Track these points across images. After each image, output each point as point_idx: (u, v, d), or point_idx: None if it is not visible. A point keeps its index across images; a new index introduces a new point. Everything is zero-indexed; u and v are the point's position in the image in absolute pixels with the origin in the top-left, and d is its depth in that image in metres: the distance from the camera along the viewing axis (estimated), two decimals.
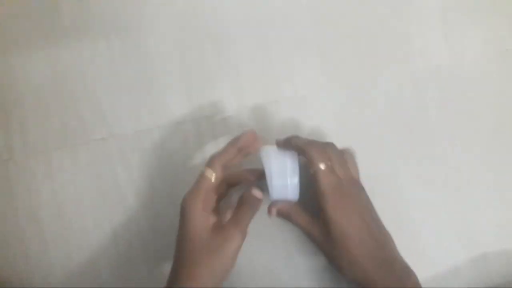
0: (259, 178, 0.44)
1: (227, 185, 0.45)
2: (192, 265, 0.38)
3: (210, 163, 0.42)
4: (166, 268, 0.41)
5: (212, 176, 0.41)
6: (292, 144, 0.43)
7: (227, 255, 0.39)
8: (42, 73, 0.52)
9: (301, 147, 0.42)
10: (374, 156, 0.50)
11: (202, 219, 0.40)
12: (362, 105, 0.51)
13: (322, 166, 0.40)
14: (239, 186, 0.46)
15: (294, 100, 0.51)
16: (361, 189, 0.43)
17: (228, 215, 0.44)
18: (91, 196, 0.51)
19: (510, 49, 0.52)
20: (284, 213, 0.45)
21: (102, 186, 0.51)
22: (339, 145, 0.50)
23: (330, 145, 0.43)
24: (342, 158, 0.43)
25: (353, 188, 0.42)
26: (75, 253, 0.50)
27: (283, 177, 0.43)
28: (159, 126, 0.51)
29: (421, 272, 0.50)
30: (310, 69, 0.51)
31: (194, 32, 0.52)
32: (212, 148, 0.51)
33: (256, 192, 0.43)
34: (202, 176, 0.42)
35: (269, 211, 0.45)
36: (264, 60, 0.52)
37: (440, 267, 0.50)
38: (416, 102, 0.51)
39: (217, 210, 0.44)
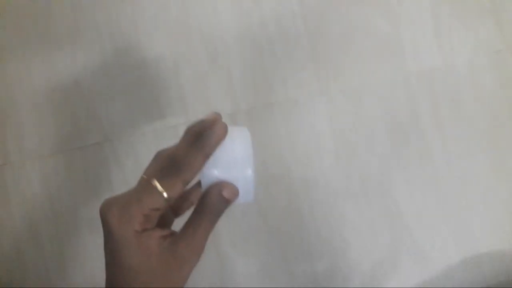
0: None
1: None
2: None
3: (169, 183, 0.29)
4: None
5: (165, 194, 0.29)
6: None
7: (181, 280, 0.30)
8: (37, 79, 0.52)
9: None
10: (367, 158, 0.51)
11: (142, 244, 0.28)
12: (355, 107, 0.51)
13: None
14: None
15: (287, 104, 0.52)
16: None
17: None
18: (86, 201, 0.51)
19: (501, 51, 0.52)
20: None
21: (97, 191, 0.51)
22: (334, 147, 0.51)
23: None
24: None
25: None
26: (70, 256, 0.51)
27: (231, 168, 0.31)
28: (153, 131, 0.52)
29: (415, 274, 0.50)
30: (302, 72, 0.52)
31: (187, 38, 0.52)
32: None
33: (226, 191, 0.30)
34: (150, 189, 0.29)
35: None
36: (256, 64, 0.52)
37: (434, 268, 0.50)
38: (409, 104, 0.51)
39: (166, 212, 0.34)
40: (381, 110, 0.51)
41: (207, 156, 0.30)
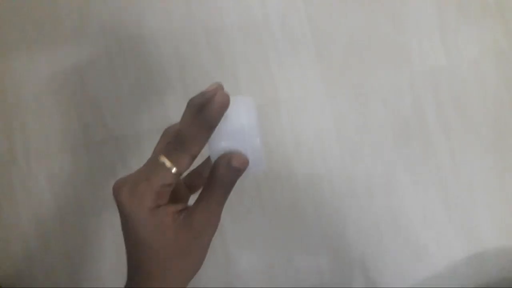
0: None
1: None
2: (155, 278, 0.29)
3: (177, 157, 0.29)
4: None
5: (174, 170, 0.29)
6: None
7: (199, 254, 0.30)
8: (43, 77, 0.52)
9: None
10: (373, 156, 0.51)
11: (156, 220, 0.29)
12: (360, 107, 0.51)
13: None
14: None
15: (293, 103, 0.52)
16: None
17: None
18: (92, 199, 0.51)
19: (506, 51, 0.52)
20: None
21: (103, 188, 0.52)
22: (339, 147, 0.51)
23: None
24: None
25: None
26: (76, 255, 0.51)
27: (237, 138, 0.30)
28: (158, 128, 0.52)
29: (420, 271, 0.50)
30: (308, 72, 0.52)
31: (191, 36, 0.52)
32: None
33: (235, 160, 0.29)
34: (158, 165, 0.29)
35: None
36: (260, 62, 0.52)
37: (439, 266, 0.50)
38: (414, 105, 0.51)
39: (180, 187, 0.34)
40: (386, 110, 0.51)
41: (211, 127, 0.29)
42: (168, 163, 0.29)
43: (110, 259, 0.50)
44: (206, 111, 0.28)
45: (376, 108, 0.51)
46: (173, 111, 0.52)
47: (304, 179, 0.51)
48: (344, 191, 0.50)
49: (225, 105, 0.29)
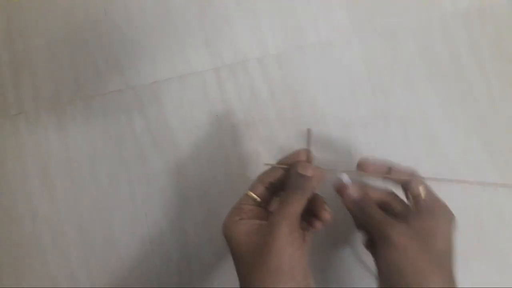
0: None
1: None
2: (242, 276, 0.34)
3: (252, 185, 0.37)
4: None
5: (254, 196, 0.37)
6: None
7: (274, 250, 0.32)
8: (55, 23, 0.50)
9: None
10: (406, 98, 0.48)
11: (238, 227, 0.35)
12: (391, 49, 0.49)
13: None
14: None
15: (319, 46, 0.49)
16: None
17: None
18: (107, 150, 0.48)
19: None
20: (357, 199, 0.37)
21: (119, 139, 0.48)
22: (371, 88, 0.48)
23: None
24: None
25: None
26: (87, 210, 0.47)
27: None
28: (178, 76, 0.49)
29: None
30: (334, 13, 0.50)
31: None
32: (234, 98, 0.48)
33: (303, 169, 0.35)
34: (244, 197, 0.37)
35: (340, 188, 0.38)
36: (285, 4, 0.50)
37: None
38: (447, 44, 0.49)
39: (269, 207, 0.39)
40: (418, 49, 0.49)
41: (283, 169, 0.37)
42: (249, 193, 0.37)
43: (125, 213, 0.46)
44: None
45: (407, 47, 0.49)
46: (193, 57, 0.49)
47: (336, 123, 0.47)
48: (377, 133, 0.47)
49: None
